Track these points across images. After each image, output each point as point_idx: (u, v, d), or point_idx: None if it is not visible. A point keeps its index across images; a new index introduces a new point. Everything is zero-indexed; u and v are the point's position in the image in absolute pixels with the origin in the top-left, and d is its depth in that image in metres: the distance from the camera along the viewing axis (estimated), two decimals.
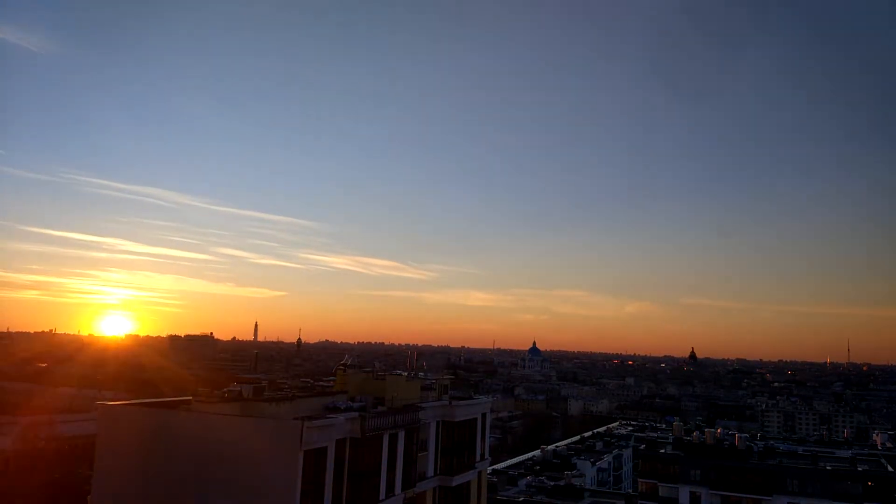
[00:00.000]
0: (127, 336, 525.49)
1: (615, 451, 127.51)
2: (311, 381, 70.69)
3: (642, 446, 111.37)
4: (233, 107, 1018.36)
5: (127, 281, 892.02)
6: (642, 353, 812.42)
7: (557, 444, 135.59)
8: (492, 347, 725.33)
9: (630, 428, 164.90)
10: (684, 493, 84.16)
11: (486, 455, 65.67)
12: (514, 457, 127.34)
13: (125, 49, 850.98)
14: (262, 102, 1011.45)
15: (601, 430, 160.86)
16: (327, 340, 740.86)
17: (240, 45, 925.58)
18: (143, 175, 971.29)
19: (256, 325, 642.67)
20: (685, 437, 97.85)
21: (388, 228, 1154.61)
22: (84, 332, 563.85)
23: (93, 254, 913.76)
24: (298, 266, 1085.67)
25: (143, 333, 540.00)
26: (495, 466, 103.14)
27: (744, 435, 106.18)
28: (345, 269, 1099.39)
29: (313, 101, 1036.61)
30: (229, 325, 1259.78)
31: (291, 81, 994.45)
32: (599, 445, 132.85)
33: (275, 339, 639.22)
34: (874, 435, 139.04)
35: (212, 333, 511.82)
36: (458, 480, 57.63)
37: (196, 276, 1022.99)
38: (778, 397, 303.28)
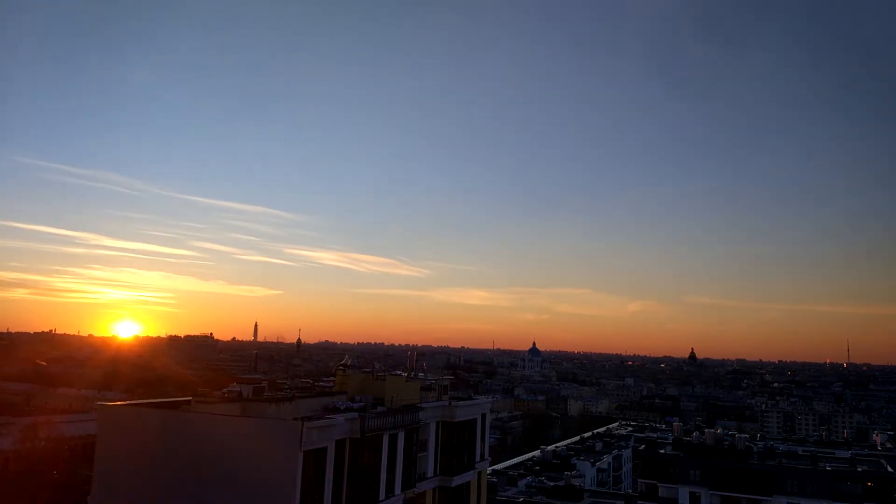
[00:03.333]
0: (125, 336, 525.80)
1: (615, 452, 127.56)
2: (311, 382, 70.91)
3: (642, 447, 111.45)
4: (203, 91, 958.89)
5: (114, 279, 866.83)
6: (643, 354, 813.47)
7: (557, 444, 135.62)
8: (491, 348, 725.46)
9: (630, 428, 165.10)
10: (684, 493, 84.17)
11: (486, 455, 65.72)
12: (514, 457, 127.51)
13: (89, 28, 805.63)
14: (235, 87, 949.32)
15: (601, 430, 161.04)
16: (327, 341, 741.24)
17: (215, 25, 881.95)
18: (100, 160, 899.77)
19: (256, 326, 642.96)
20: (685, 438, 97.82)
21: (377, 223, 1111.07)
22: (83, 333, 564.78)
23: (67, 249, 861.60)
24: (288, 263, 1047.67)
25: (140, 333, 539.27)
26: (495, 467, 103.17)
27: (743, 435, 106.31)
28: (335, 267, 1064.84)
29: (291, 86, 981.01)
30: (227, 324, 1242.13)
31: (267, 64, 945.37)
32: (599, 446, 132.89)
33: (274, 340, 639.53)
34: (874, 435, 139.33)
35: (211, 334, 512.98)
36: (457, 481, 57.71)
37: (184, 273, 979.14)
38: (778, 398, 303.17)
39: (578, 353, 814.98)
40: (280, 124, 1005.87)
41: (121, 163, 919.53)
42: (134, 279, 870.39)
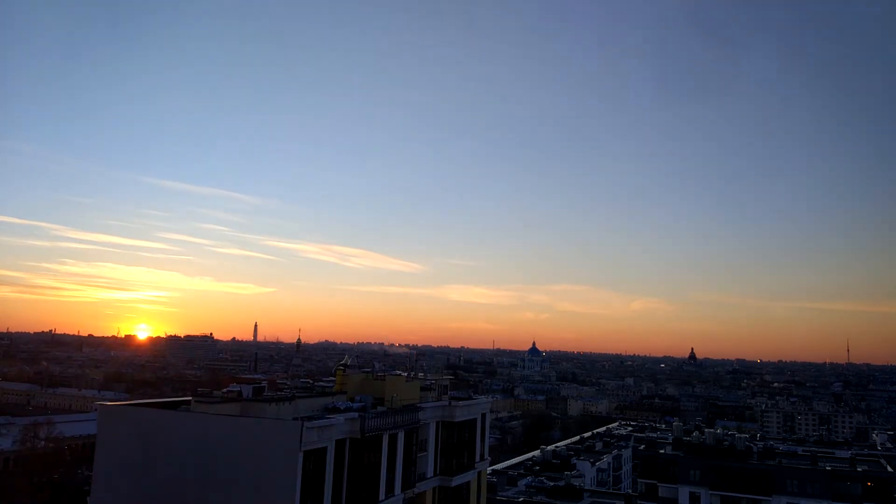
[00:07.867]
0: (126, 337, 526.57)
1: (615, 452, 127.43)
2: (311, 382, 71.04)
3: (642, 446, 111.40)
4: (176, 79, 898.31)
5: (94, 274, 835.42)
6: (642, 353, 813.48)
7: (557, 444, 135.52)
8: (491, 347, 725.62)
9: (629, 428, 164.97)
10: (684, 493, 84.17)
11: (486, 455, 65.77)
12: (514, 457, 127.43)
13: (48, 10, 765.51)
14: (212, 76, 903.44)
15: (601, 430, 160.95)
16: (327, 341, 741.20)
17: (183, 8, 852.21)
18: (51, 140, 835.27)
19: (256, 326, 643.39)
20: (685, 438, 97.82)
21: (364, 215, 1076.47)
22: (84, 333, 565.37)
23: (31, 242, 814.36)
24: (270, 257, 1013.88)
25: (140, 334, 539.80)
26: (495, 467, 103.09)
27: (743, 435, 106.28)
28: (324, 262, 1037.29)
29: (271, 73, 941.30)
30: (226, 324, 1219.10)
31: (250, 53, 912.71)
32: (599, 446, 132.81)
33: (274, 340, 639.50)
34: (874, 435, 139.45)
35: (211, 334, 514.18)
36: (457, 481, 57.74)
37: (168, 268, 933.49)
38: (777, 398, 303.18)
39: (578, 352, 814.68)
40: (261, 114, 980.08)
41: (69, 144, 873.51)
42: (115, 275, 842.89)
